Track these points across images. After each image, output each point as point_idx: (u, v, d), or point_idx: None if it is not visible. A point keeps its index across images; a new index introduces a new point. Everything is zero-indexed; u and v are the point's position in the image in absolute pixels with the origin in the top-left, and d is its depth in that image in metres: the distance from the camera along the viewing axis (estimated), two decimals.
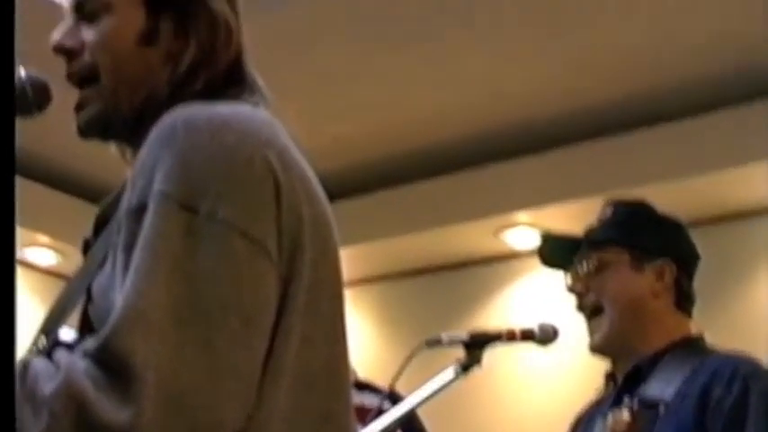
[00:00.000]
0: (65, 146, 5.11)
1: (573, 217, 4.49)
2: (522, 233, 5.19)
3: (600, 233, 2.37)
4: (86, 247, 1.33)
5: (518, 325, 2.37)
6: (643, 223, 2.38)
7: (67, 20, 1.39)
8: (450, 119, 4.93)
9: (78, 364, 1.05)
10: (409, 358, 2.24)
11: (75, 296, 1.27)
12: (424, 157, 5.28)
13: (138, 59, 1.33)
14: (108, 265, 1.18)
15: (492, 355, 2.32)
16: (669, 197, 4.23)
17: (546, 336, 2.35)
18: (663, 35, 4.18)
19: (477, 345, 2.30)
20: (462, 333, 2.33)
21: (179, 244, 1.09)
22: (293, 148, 1.25)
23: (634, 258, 2.32)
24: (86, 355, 1.06)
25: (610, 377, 2.35)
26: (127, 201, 1.15)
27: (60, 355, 1.09)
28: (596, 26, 4.15)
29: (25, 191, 5.23)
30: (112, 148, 1.43)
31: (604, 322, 2.29)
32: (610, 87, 4.58)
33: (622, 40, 4.24)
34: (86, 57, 1.35)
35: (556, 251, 2.45)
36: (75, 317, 1.27)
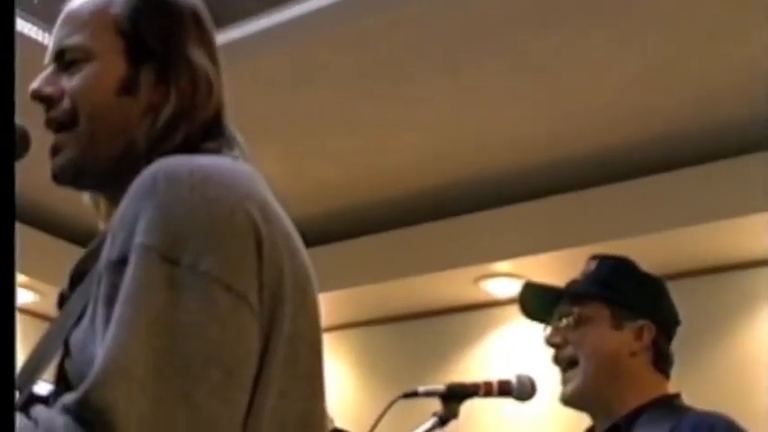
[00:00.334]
0: (43, 186, 5.10)
1: (554, 268, 4.50)
2: (502, 282, 5.20)
3: (582, 287, 2.37)
4: (62, 301, 1.31)
5: (497, 375, 2.37)
6: (626, 281, 2.37)
7: (48, 69, 1.38)
8: (432, 166, 4.94)
9: (57, 421, 1.03)
10: (386, 410, 2.23)
11: (51, 350, 1.25)
12: (405, 204, 5.29)
13: (118, 108, 1.33)
14: (86, 319, 1.17)
15: (470, 404, 2.31)
16: (652, 249, 4.26)
17: (524, 390, 2.34)
18: (651, 85, 4.20)
19: (454, 398, 2.29)
20: (440, 386, 2.31)
21: (160, 296, 1.08)
22: (273, 200, 1.24)
23: (614, 316, 2.31)
24: (66, 410, 1.04)
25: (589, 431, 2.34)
26: (107, 253, 1.14)
27: (38, 410, 1.08)
28: (581, 76, 4.17)
29: None
30: (85, 198, 1.42)
31: (578, 375, 2.29)
32: (594, 138, 4.60)
33: (608, 89, 4.26)
34: (65, 103, 1.34)
35: (537, 302, 2.45)
36: (50, 371, 1.25)
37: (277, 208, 1.23)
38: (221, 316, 1.09)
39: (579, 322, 2.31)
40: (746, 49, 3.86)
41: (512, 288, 5.11)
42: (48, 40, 3.86)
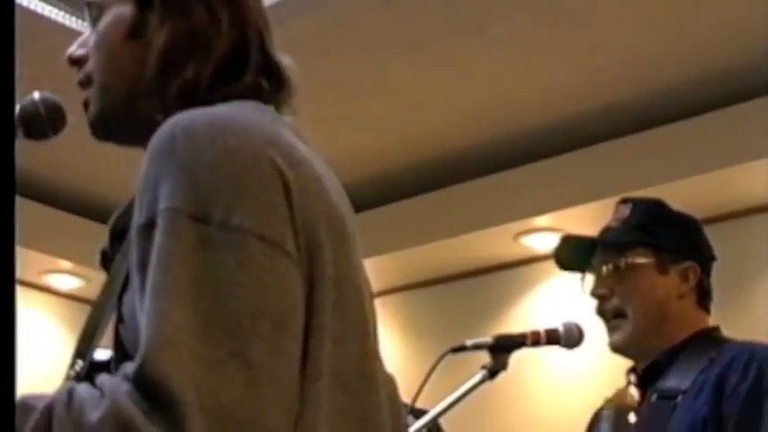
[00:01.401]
0: (84, 171, 5.15)
1: (593, 218, 4.48)
2: (542, 237, 5.19)
3: (622, 234, 2.35)
4: (104, 258, 1.32)
5: (542, 327, 2.37)
6: (665, 224, 2.36)
7: (85, 32, 1.40)
8: (464, 126, 4.93)
9: (121, 389, 1.03)
10: (435, 365, 2.24)
11: (105, 315, 1.25)
12: (439, 166, 5.28)
13: (126, 54, 1.32)
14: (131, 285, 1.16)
15: (517, 356, 2.32)
16: (691, 193, 4.24)
17: (571, 337, 2.35)
18: (675, 30, 4.16)
19: (502, 349, 2.30)
20: (487, 338, 2.32)
21: (195, 258, 1.06)
22: (301, 145, 1.22)
23: (659, 261, 2.30)
24: (127, 378, 1.03)
25: (631, 372, 2.35)
26: (135, 217, 1.12)
27: (103, 379, 1.07)
28: (608, 23, 4.14)
29: (45, 217, 5.28)
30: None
31: (627, 324, 2.29)
32: (625, 87, 4.57)
33: (635, 37, 4.22)
34: (88, 64, 1.36)
35: (572, 253, 2.44)
36: (107, 336, 1.25)
37: (305, 152, 1.21)
38: (260, 268, 1.07)
39: (624, 271, 2.30)
40: None
41: (552, 242, 5.07)
42: (76, 25, 3.89)
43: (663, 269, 2.30)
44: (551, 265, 2.55)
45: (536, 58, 4.37)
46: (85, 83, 1.37)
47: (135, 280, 1.10)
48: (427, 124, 4.92)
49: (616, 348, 2.33)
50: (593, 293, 2.35)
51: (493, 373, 2.27)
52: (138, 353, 1.03)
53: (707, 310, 2.35)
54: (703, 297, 2.33)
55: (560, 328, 2.36)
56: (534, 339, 2.34)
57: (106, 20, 1.35)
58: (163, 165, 1.11)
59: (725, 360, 2.15)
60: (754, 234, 4.62)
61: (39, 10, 3.94)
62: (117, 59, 1.33)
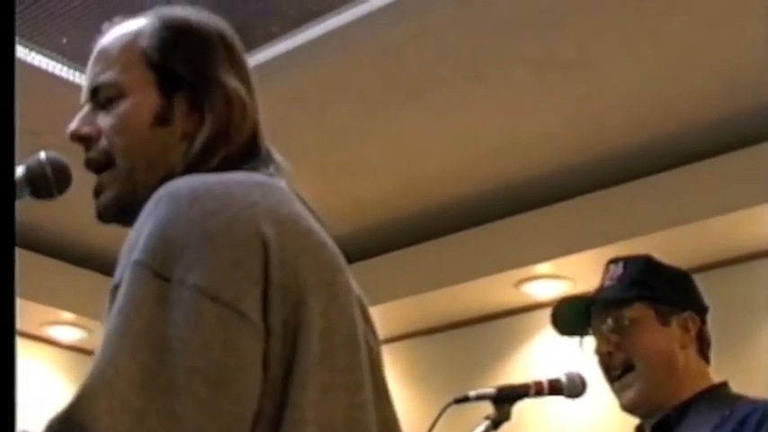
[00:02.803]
0: (85, 222, 5.15)
1: (592, 266, 4.48)
2: (543, 284, 5.19)
3: (619, 291, 2.35)
4: None
5: (545, 376, 2.36)
6: (660, 277, 2.37)
7: (84, 108, 1.40)
8: (465, 173, 4.94)
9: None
10: (439, 416, 2.24)
11: None
12: (440, 214, 5.29)
13: (154, 140, 1.35)
14: None
15: (520, 405, 2.31)
16: (687, 240, 4.24)
17: (574, 387, 2.34)
18: (672, 79, 4.19)
19: (505, 400, 2.29)
20: (490, 389, 2.32)
21: (149, 312, 1.08)
22: (291, 203, 1.24)
23: (659, 313, 2.30)
24: (48, 428, 1.04)
25: (639, 429, 2.33)
26: (115, 276, 1.15)
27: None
28: (604, 72, 4.16)
29: (46, 268, 5.28)
30: None
31: (638, 379, 2.27)
32: (623, 134, 4.59)
33: (632, 85, 4.25)
34: (102, 142, 1.37)
35: (569, 317, 2.43)
36: None
37: (295, 208, 1.23)
38: (206, 327, 1.08)
39: (627, 326, 2.30)
40: None
41: (553, 289, 5.10)
42: (77, 78, 3.92)
43: (664, 321, 2.30)
44: None
45: (534, 106, 4.40)
46: (102, 165, 1.37)
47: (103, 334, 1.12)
48: (427, 172, 4.93)
49: (628, 407, 2.31)
50: (598, 352, 2.33)
51: (496, 423, 2.27)
52: (77, 390, 1.04)
53: (707, 359, 2.35)
54: (704, 346, 2.34)
55: (563, 378, 2.35)
56: (537, 389, 2.33)
57: (127, 104, 1.36)
58: (145, 225, 1.14)
59: (737, 418, 2.14)
60: (755, 280, 4.61)
61: (41, 65, 3.97)
62: (144, 145, 1.35)
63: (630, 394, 2.28)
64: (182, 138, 1.34)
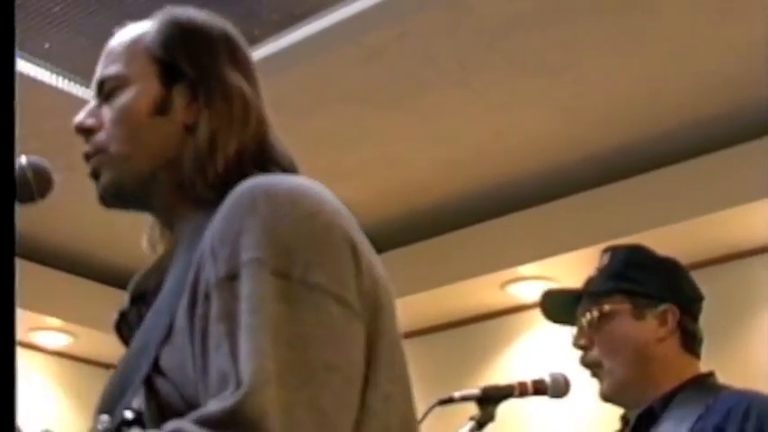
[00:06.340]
0: (70, 228, 5.14)
1: (579, 267, 4.50)
2: (528, 286, 5.19)
3: (599, 284, 2.37)
4: (122, 319, 1.36)
5: (529, 377, 2.38)
6: (641, 269, 2.37)
7: (91, 102, 1.44)
8: (449, 176, 4.95)
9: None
10: (423, 418, 2.24)
11: (138, 369, 1.26)
12: (424, 217, 5.30)
13: (152, 128, 1.37)
14: (179, 337, 1.20)
15: (505, 406, 2.32)
16: (675, 240, 4.25)
17: (558, 388, 2.36)
18: (658, 78, 4.20)
19: (490, 400, 2.31)
20: (474, 390, 2.33)
21: (278, 310, 1.12)
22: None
23: (635, 306, 2.31)
24: (207, 424, 1.06)
25: (624, 420, 2.35)
26: (213, 271, 1.17)
27: (183, 425, 1.08)
28: (590, 73, 4.18)
29: (32, 274, 5.27)
30: (145, 220, 1.46)
31: (607, 375, 2.29)
32: (608, 135, 4.60)
33: (617, 85, 4.26)
34: (101, 135, 1.40)
35: (558, 306, 2.45)
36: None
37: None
38: (336, 327, 1.15)
39: (601, 320, 2.31)
40: (755, 33, 3.86)
41: (538, 291, 5.03)
42: (60, 83, 3.91)
43: (639, 314, 2.30)
44: (538, 313, 2.56)
45: (519, 108, 4.41)
46: (94, 154, 1.40)
47: (215, 329, 1.14)
48: (412, 175, 4.94)
49: (604, 398, 2.33)
50: (575, 345, 2.36)
51: (481, 424, 2.28)
52: (241, 388, 1.06)
53: (694, 353, 2.34)
54: (688, 339, 2.33)
55: (547, 379, 2.37)
56: (521, 390, 2.35)
57: (129, 94, 1.39)
58: (244, 222, 1.17)
59: (722, 409, 2.15)
60: (753, 275, 4.63)
61: (23, 69, 3.96)
62: (141, 133, 1.38)
63: (603, 387, 2.30)
64: (182, 129, 1.37)
